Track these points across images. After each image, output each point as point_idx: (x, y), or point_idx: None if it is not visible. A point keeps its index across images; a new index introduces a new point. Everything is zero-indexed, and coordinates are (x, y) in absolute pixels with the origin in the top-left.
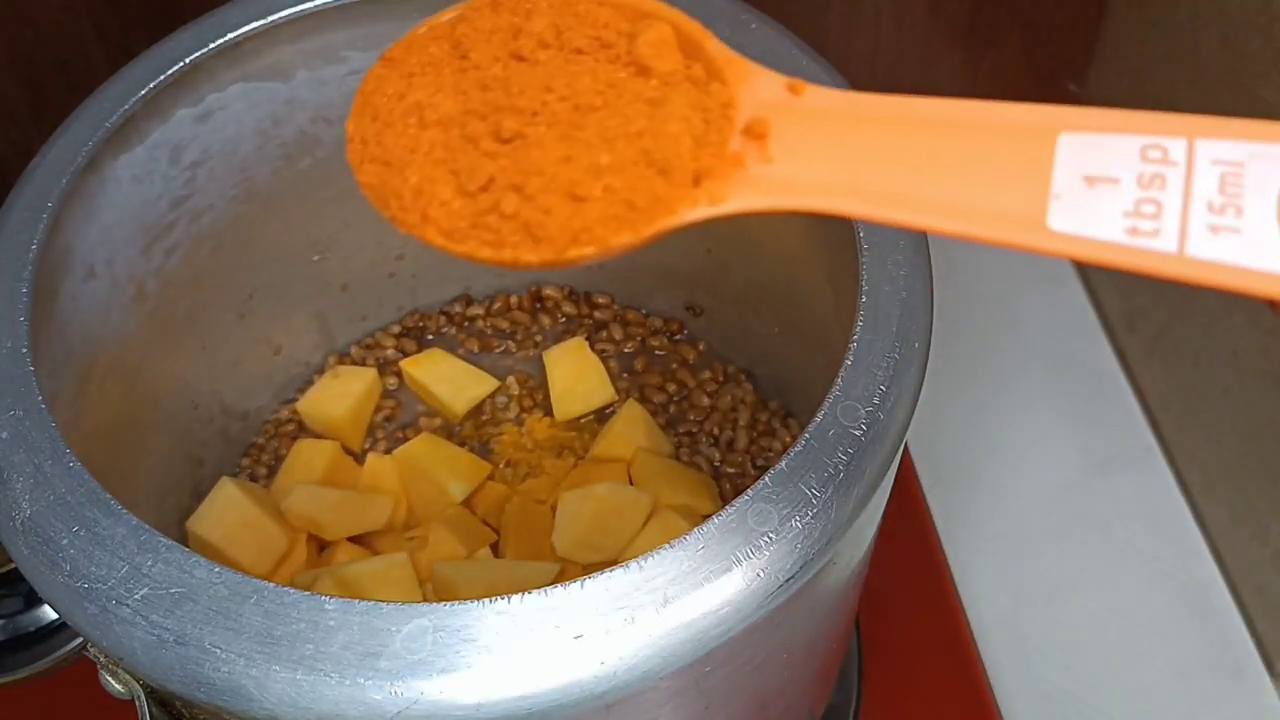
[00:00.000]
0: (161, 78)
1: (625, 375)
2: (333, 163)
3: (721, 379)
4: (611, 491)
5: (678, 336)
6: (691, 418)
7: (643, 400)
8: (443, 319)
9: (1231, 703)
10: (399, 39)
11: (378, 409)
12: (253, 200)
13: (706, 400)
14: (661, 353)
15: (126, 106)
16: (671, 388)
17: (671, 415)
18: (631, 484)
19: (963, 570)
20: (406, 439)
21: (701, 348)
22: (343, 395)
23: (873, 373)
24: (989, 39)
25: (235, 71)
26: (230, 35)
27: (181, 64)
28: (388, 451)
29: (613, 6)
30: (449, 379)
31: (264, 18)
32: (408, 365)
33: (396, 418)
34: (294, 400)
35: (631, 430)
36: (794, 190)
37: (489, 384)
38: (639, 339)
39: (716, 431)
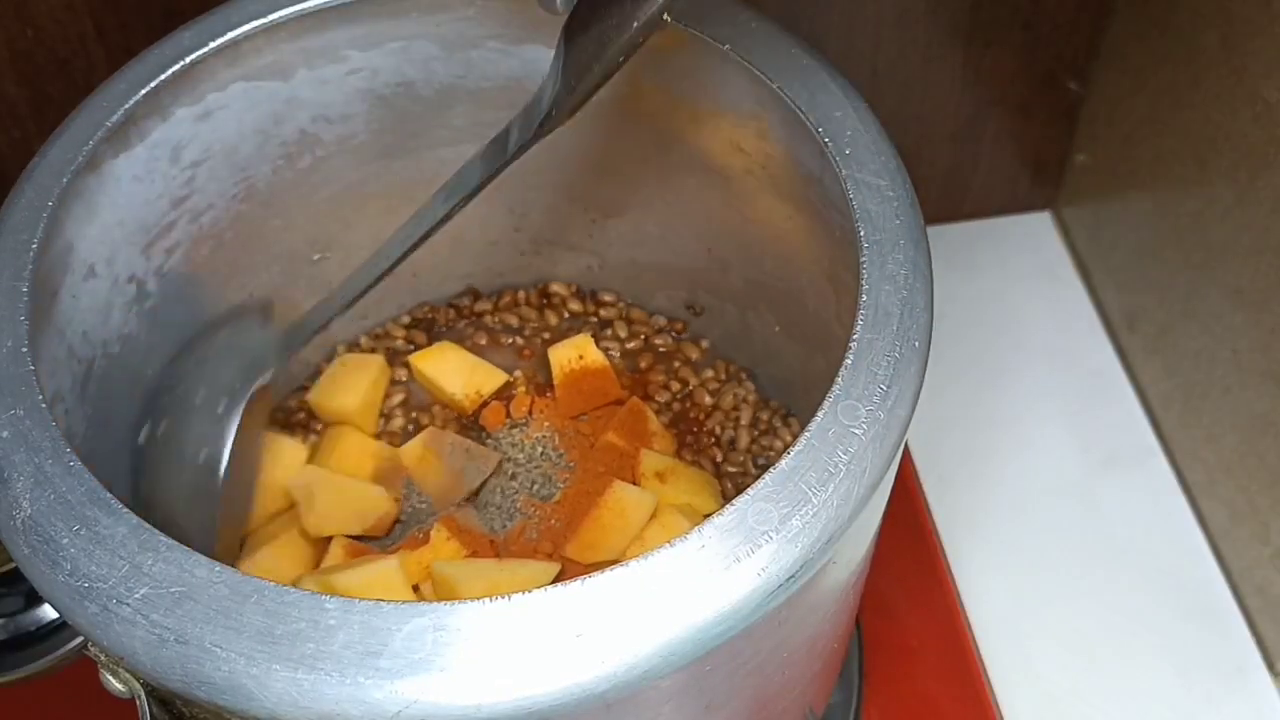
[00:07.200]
0: (162, 77)
1: (630, 373)
2: (333, 162)
3: (724, 378)
4: (615, 491)
5: (682, 335)
6: (693, 416)
7: (646, 399)
8: (451, 312)
9: (1232, 703)
10: (399, 37)
11: (387, 396)
12: (253, 199)
13: (709, 399)
14: (665, 351)
15: (127, 105)
16: (675, 386)
17: (675, 414)
18: (635, 483)
19: (963, 570)
20: (421, 426)
21: (705, 346)
22: (353, 386)
23: (873, 372)
24: (990, 38)
25: (235, 70)
26: (230, 34)
27: (182, 63)
28: (398, 441)
29: None
30: (458, 373)
31: (264, 17)
32: (416, 360)
33: (407, 404)
34: (305, 390)
35: (636, 428)
36: None
37: (498, 378)
38: (643, 337)
39: (718, 431)
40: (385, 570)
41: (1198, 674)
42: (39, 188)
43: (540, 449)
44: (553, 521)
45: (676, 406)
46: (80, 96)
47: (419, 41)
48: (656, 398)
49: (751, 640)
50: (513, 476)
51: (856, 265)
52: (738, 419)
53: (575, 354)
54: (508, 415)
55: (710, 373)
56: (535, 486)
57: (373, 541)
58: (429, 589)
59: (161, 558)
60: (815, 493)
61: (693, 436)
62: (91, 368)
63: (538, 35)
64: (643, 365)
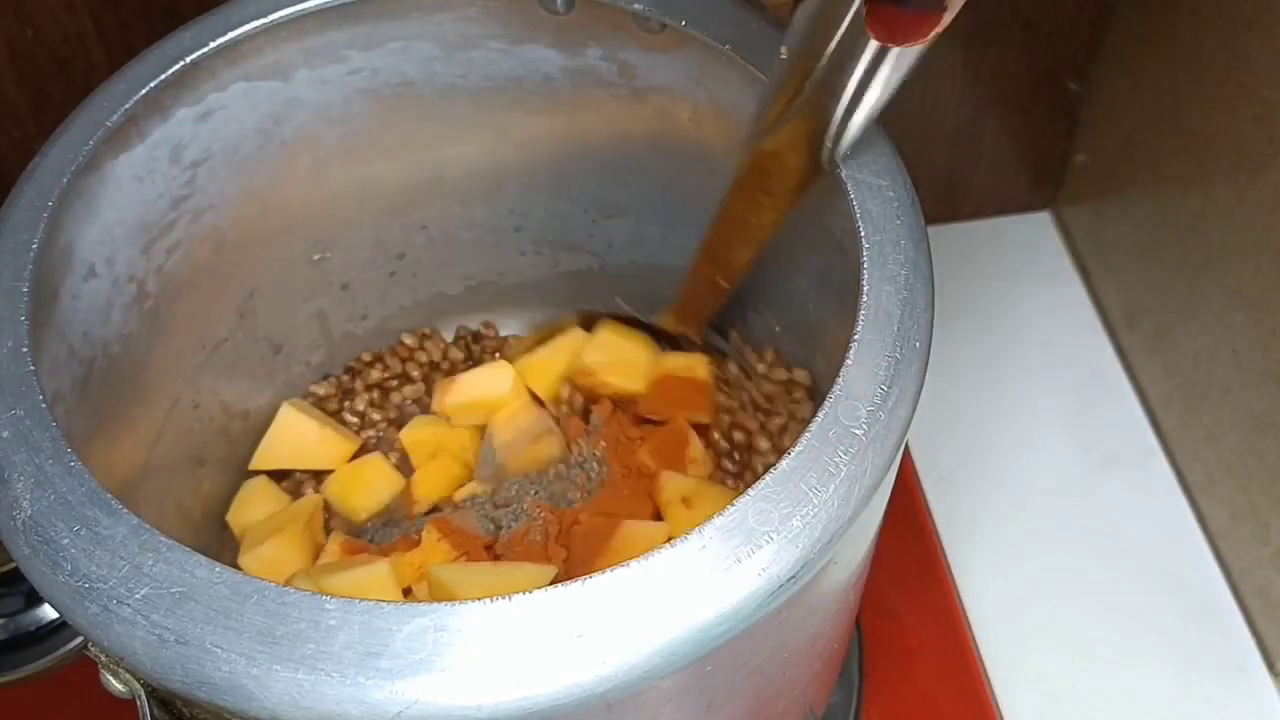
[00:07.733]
0: (162, 77)
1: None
2: (333, 162)
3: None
4: (629, 527)
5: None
6: (739, 435)
7: (704, 428)
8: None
9: (1231, 703)
10: (399, 37)
11: None
12: (253, 199)
13: (756, 423)
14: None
15: (127, 106)
16: (745, 424)
17: (733, 443)
18: (657, 503)
19: (963, 570)
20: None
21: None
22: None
23: (874, 372)
24: (990, 38)
25: (236, 70)
26: (231, 34)
27: (182, 63)
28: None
29: None
30: (620, 360)
31: (264, 17)
32: (604, 326)
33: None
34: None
35: (673, 451)
36: None
37: (638, 384)
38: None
39: (758, 456)
40: (376, 573)
41: (1198, 674)
42: (39, 188)
43: (578, 455)
44: (558, 526)
45: (738, 436)
46: (80, 96)
47: (419, 41)
48: (716, 430)
49: (752, 640)
50: (535, 477)
51: (857, 265)
52: (784, 443)
53: (686, 364)
54: (587, 424)
55: (769, 386)
56: (561, 493)
57: (373, 533)
58: (422, 590)
59: (162, 558)
60: (816, 493)
61: (730, 460)
62: (91, 368)
63: (538, 35)
64: (729, 399)
